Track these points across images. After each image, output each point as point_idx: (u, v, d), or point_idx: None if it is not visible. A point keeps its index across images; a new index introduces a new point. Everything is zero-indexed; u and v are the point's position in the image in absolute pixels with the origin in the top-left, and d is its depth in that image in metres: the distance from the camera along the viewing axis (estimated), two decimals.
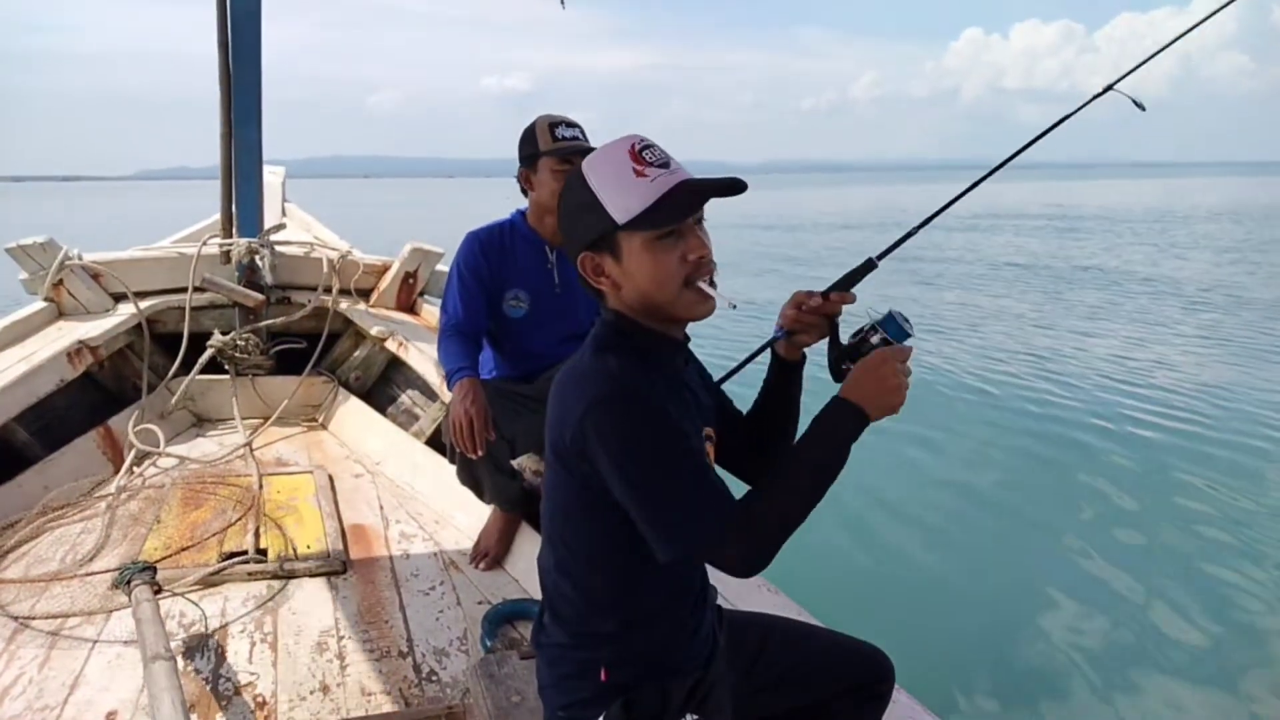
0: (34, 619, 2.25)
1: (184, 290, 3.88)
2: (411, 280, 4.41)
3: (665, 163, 1.17)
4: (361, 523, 2.93)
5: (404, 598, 2.44)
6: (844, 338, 1.34)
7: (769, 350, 1.42)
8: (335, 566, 2.57)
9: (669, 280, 1.18)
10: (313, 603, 2.39)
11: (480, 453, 2.27)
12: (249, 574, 2.50)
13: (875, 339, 1.28)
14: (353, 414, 3.90)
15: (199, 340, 3.85)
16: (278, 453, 3.60)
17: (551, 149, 2.37)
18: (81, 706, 1.91)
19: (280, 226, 4.54)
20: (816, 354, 1.40)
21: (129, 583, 2.19)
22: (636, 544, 1.16)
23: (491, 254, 2.49)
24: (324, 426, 3.95)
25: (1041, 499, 5.16)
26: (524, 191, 2.50)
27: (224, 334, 3.88)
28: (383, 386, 4.16)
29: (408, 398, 3.99)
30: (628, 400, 1.13)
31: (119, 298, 3.97)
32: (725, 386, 1.52)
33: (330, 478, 3.26)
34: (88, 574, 2.47)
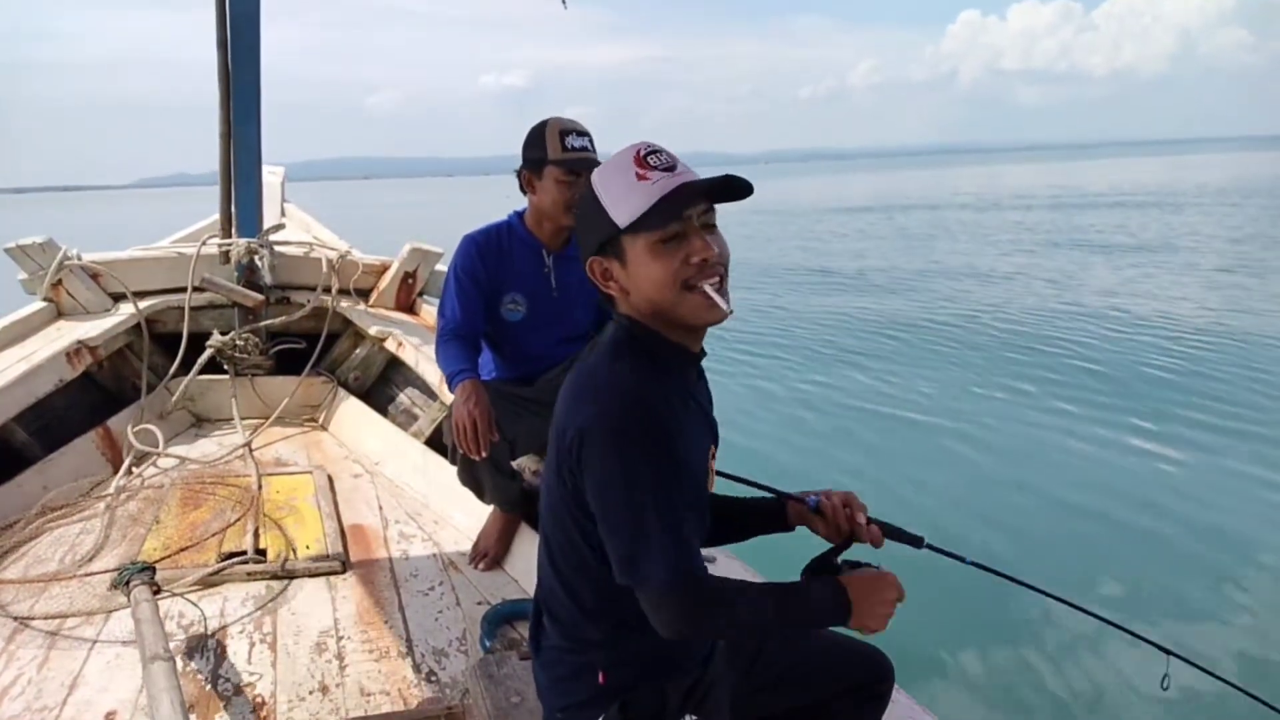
0: (33, 619, 2.25)
1: (183, 290, 3.88)
2: (411, 280, 4.41)
3: (670, 166, 1.18)
4: (361, 523, 2.93)
5: (403, 598, 2.44)
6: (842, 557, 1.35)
7: (779, 496, 1.43)
8: (334, 567, 2.57)
9: (670, 283, 1.17)
10: (312, 603, 2.39)
11: (484, 454, 2.26)
12: (248, 574, 2.50)
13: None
14: (352, 414, 3.90)
15: (198, 340, 3.85)
16: (277, 453, 3.60)
17: (560, 158, 2.32)
18: (80, 707, 1.90)
19: (279, 226, 4.54)
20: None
21: (128, 583, 2.18)
22: None
23: (489, 257, 2.46)
24: (323, 427, 3.95)
25: (1043, 499, 5.15)
26: (523, 191, 2.46)
27: (223, 334, 3.88)
28: (382, 386, 4.15)
29: (407, 398, 3.98)
30: (631, 421, 1.13)
31: (118, 298, 3.97)
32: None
33: (329, 478, 3.26)
34: (87, 574, 2.47)
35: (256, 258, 4.00)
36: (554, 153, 2.33)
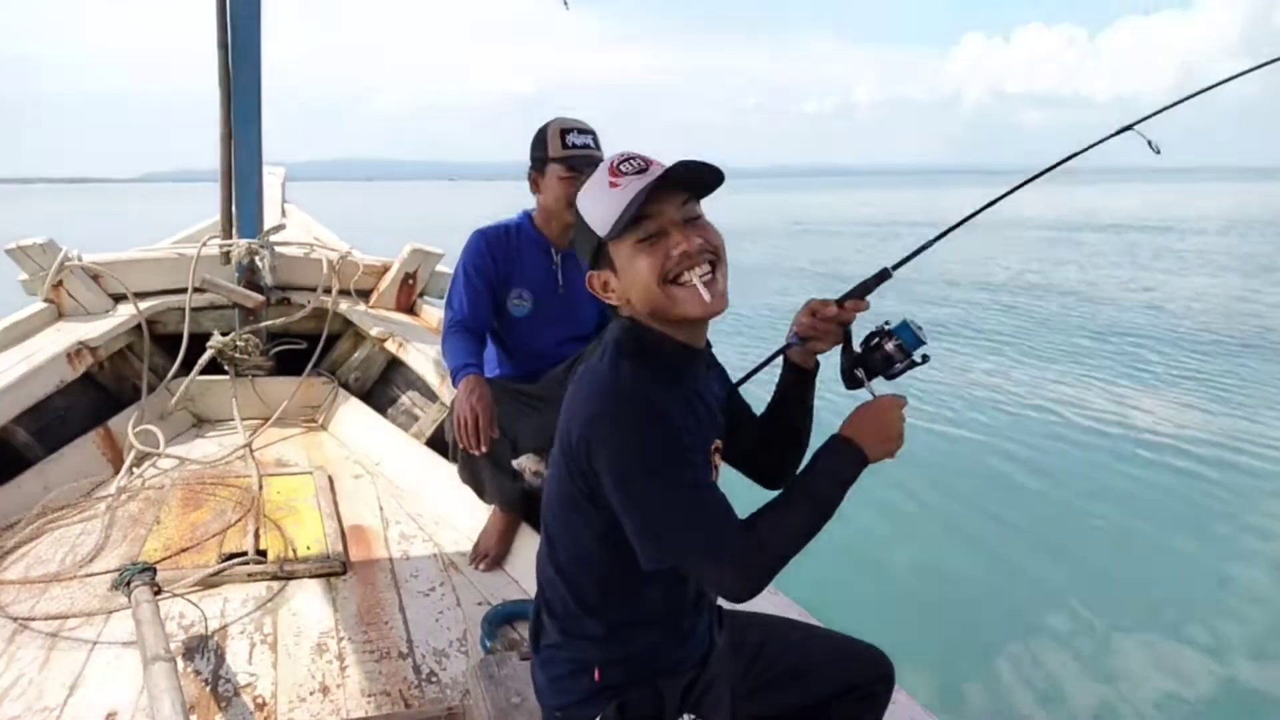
0: (34, 620, 2.25)
1: (184, 291, 3.88)
2: (411, 281, 4.41)
3: (641, 170, 1.19)
4: (361, 524, 2.93)
5: (404, 599, 2.44)
6: (856, 345, 1.35)
7: (782, 357, 1.42)
8: (335, 567, 2.57)
9: (657, 280, 1.18)
10: (312, 604, 2.39)
11: (484, 449, 2.27)
12: (249, 575, 2.50)
13: (889, 345, 1.30)
14: (352, 415, 3.90)
15: (199, 341, 3.85)
16: (277, 454, 3.60)
17: (560, 156, 2.39)
18: (81, 707, 1.90)
19: (280, 227, 4.54)
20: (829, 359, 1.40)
21: (129, 584, 2.18)
22: (627, 549, 1.17)
23: (498, 252, 2.50)
24: (323, 427, 3.95)
25: (1044, 498, 5.16)
26: (533, 192, 2.52)
27: (224, 335, 3.88)
28: (382, 387, 4.16)
29: (407, 398, 3.99)
30: (632, 410, 1.14)
31: (119, 298, 3.97)
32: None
33: (330, 479, 3.26)
34: (87, 575, 2.47)
35: (257, 258, 4.00)
36: (555, 150, 2.40)
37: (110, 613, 2.28)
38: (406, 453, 3.47)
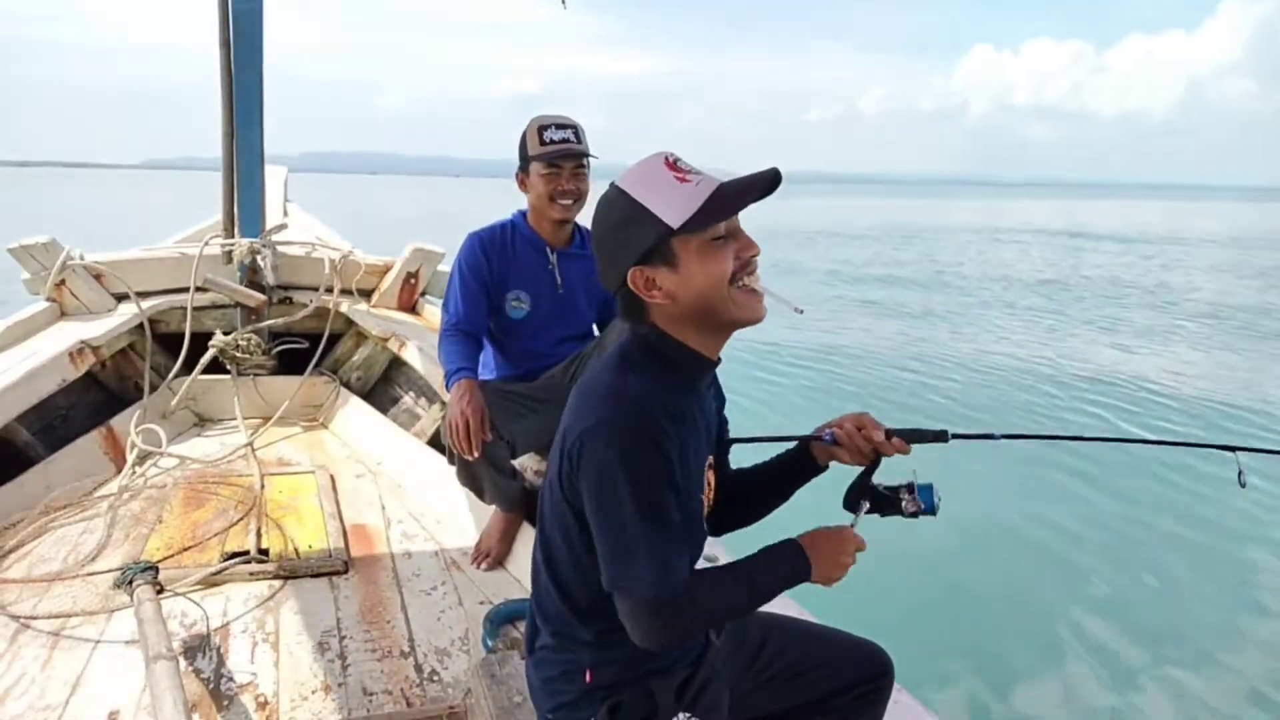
0: (36, 619, 2.25)
1: (186, 290, 3.88)
2: (413, 280, 4.41)
3: (700, 171, 1.19)
4: (363, 523, 2.93)
5: (405, 598, 2.44)
6: (878, 477, 1.35)
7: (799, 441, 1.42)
8: (337, 566, 2.57)
9: (721, 281, 1.17)
10: (314, 603, 2.39)
11: (477, 455, 2.27)
12: (250, 574, 2.51)
13: (906, 498, 1.32)
14: (354, 414, 3.90)
15: (201, 340, 3.85)
16: (279, 453, 3.60)
17: (539, 153, 2.40)
18: (83, 706, 1.91)
19: (282, 227, 4.54)
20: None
21: (131, 582, 2.19)
22: None
23: (493, 254, 2.50)
24: (325, 426, 3.95)
25: (1046, 497, 5.15)
26: (523, 191, 2.53)
27: (226, 334, 3.89)
28: (384, 386, 4.16)
29: (409, 398, 3.99)
30: (630, 431, 1.13)
31: (121, 298, 3.97)
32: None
33: (332, 478, 3.27)
34: (90, 574, 2.47)
35: (259, 258, 4.00)
36: (534, 148, 2.42)
37: (112, 612, 2.28)
38: (408, 452, 3.47)
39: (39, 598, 2.36)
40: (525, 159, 2.45)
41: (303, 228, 5.18)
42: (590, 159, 2.46)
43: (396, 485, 3.28)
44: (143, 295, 3.88)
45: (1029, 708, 3.24)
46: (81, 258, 3.93)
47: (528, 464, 2.61)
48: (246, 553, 2.58)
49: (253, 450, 3.47)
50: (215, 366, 3.87)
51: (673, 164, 1.18)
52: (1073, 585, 4.10)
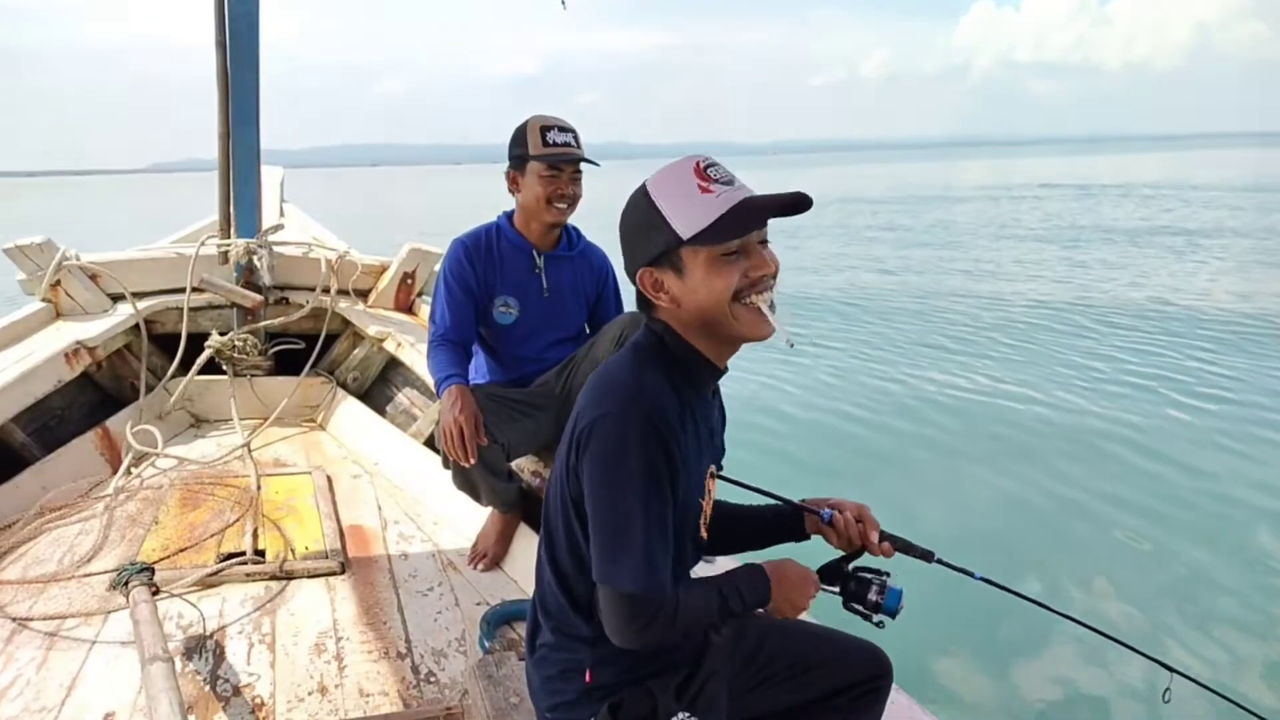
0: (32, 620, 2.24)
1: (182, 291, 3.87)
2: (409, 280, 4.40)
3: (730, 180, 1.18)
4: (360, 523, 2.93)
5: (402, 599, 2.44)
6: (854, 565, 1.39)
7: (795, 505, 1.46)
8: (333, 567, 2.57)
9: (724, 295, 1.18)
10: (311, 604, 2.39)
11: (472, 461, 2.26)
12: (247, 575, 2.50)
13: (873, 592, 1.35)
14: (351, 414, 3.90)
15: (197, 341, 3.84)
16: (276, 453, 3.60)
17: (541, 154, 2.36)
18: (79, 708, 1.90)
19: (278, 227, 4.53)
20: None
21: (127, 584, 2.18)
22: None
23: (478, 260, 2.46)
24: (322, 427, 3.95)
25: (1047, 497, 5.15)
26: (511, 191, 2.48)
27: (222, 334, 3.88)
28: (381, 387, 4.16)
29: (406, 398, 3.98)
30: (639, 421, 1.14)
31: (117, 298, 3.96)
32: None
33: (328, 478, 3.26)
34: (85, 575, 2.46)
35: (255, 258, 4.00)
36: (535, 148, 2.37)
37: (108, 613, 2.28)
38: (405, 452, 3.47)
39: (35, 599, 2.36)
40: (523, 158, 2.39)
41: (299, 228, 5.17)
42: (588, 164, 2.44)
43: (393, 486, 3.27)
44: (138, 296, 3.87)
45: (1029, 708, 3.24)
46: (77, 258, 3.92)
47: (526, 465, 2.60)
48: (243, 554, 2.57)
49: (249, 451, 3.46)
50: (211, 367, 3.87)
51: (702, 170, 1.18)
52: (1073, 585, 4.10)
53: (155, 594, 2.18)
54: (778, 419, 6.51)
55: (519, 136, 2.40)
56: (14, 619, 2.25)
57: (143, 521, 2.81)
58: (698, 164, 1.19)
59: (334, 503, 3.04)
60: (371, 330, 4.02)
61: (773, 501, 1.49)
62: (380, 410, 3.93)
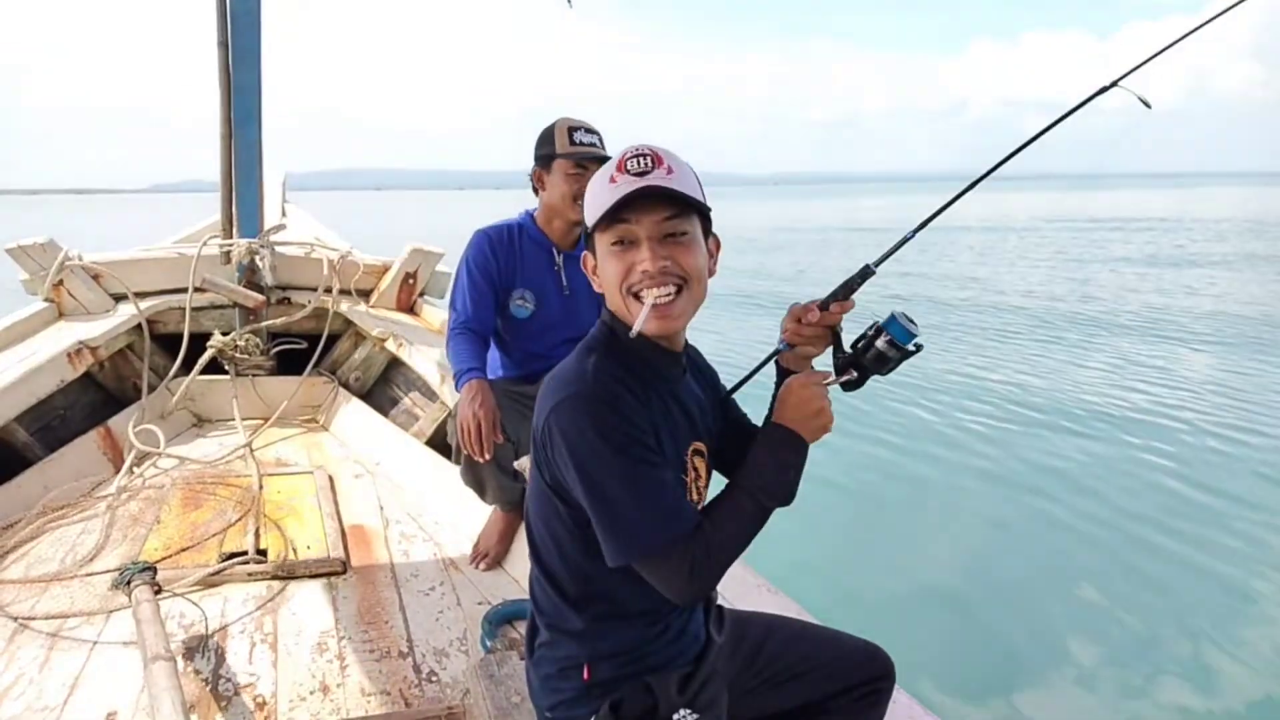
0: (34, 619, 2.25)
1: (184, 291, 3.88)
2: (411, 281, 4.41)
3: (644, 171, 1.17)
4: (361, 523, 2.93)
5: (404, 598, 2.44)
6: (848, 345, 1.32)
7: (775, 364, 1.39)
8: (335, 567, 2.57)
9: (618, 287, 1.20)
10: (313, 603, 2.39)
11: (488, 456, 2.26)
12: (249, 574, 2.50)
13: (881, 342, 1.26)
14: (353, 414, 3.90)
15: (199, 341, 3.85)
16: (278, 453, 3.60)
17: (567, 152, 2.40)
18: (82, 707, 1.90)
19: (280, 227, 4.54)
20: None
21: (129, 583, 2.18)
22: (597, 540, 1.17)
23: (500, 252, 2.49)
24: (324, 427, 3.95)
25: (1047, 496, 5.15)
26: (535, 191, 2.52)
27: (224, 334, 3.89)
28: (383, 387, 4.16)
29: (408, 398, 3.99)
30: (591, 401, 1.14)
31: (119, 298, 3.97)
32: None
33: (330, 478, 3.26)
34: (88, 574, 2.47)
35: (257, 258, 4.00)
36: (562, 147, 2.41)
37: (110, 612, 2.28)
38: (407, 452, 3.47)
39: (37, 598, 2.36)
40: (549, 156, 2.43)
41: (301, 228, 5.18)
42: None
43: (395, 486, 3.28)
44: (141, 295, 3.88)
45: (1030, 709, 3.24)
46: (79, 258, 3.93)
47: (527, 464, 2.60)
48: (245, 553, 2.58)
49: (251, 451, 3.47)
50: (214, 367, 3.87)
51: (623, 161, 1.18)
52: (1073, 585, 4.10)
53: (157, 593, 2.19)
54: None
55: (546, 136, 2.44)
56: (16, 618, 2.25)
57: (145, 521, 2.82)
58: (625, 154, 1.20)
59: (336, 502, 3.04)
60: (373, 330, 4.02)
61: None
62: (382, 410, 3.94)
